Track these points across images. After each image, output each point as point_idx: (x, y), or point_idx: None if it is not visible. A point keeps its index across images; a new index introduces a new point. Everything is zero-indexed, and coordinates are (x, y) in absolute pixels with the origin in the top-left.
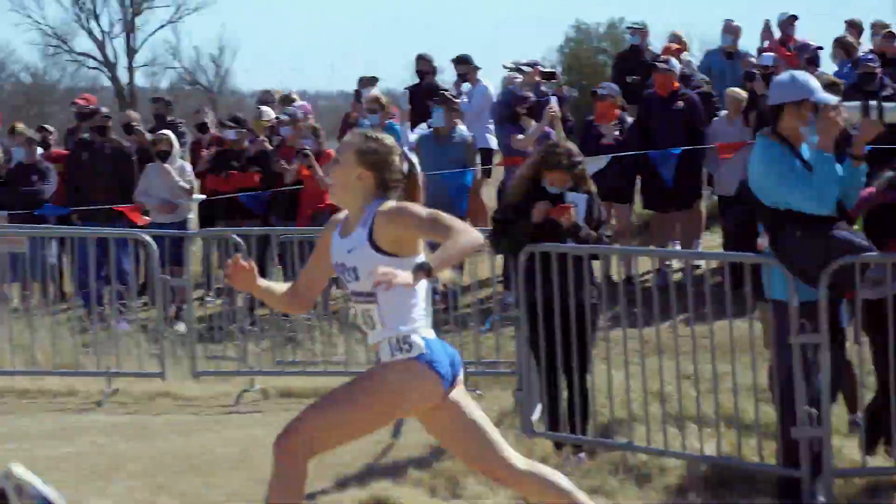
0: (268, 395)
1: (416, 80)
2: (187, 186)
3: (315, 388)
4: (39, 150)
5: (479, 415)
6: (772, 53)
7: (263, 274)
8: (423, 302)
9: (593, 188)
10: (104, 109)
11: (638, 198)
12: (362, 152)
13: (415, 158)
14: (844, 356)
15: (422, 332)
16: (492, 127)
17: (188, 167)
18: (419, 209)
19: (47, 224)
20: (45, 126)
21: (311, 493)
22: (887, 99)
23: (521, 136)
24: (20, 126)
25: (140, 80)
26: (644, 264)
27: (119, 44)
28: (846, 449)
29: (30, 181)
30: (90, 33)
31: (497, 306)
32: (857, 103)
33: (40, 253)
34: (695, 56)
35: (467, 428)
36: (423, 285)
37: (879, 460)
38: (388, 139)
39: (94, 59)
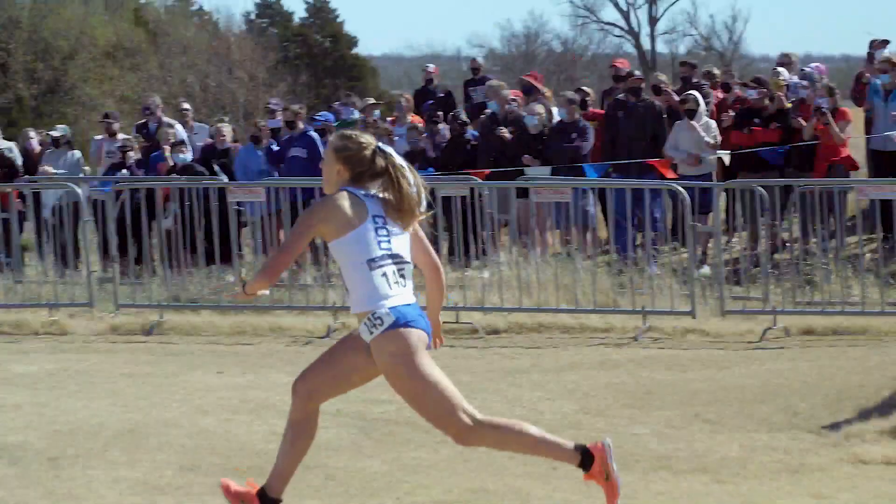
0: (789, 332)
1: None
2: (712, 142)
3: (834, 327)
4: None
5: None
6: None
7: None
8: (384, 279)
9: None
10: (637, 72)
11: None
12: (337, 149)
13: (392, 152)
14: None
15: (388, 303)
16: None
17: (713, 124)
18: (303, 215)
19: (587, 176)
20: (583, 88)
21: (835, 423)
22: None
23: None
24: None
25: (660, 46)
26: None
27: (642, 14)
28: None
29: (569, 138)
30: (616, 5)
31: None
32: None
33: (581, 203)
34: None
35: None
36: (376, 267)
37: None
38: (364, 138)
39: (620, 27)
